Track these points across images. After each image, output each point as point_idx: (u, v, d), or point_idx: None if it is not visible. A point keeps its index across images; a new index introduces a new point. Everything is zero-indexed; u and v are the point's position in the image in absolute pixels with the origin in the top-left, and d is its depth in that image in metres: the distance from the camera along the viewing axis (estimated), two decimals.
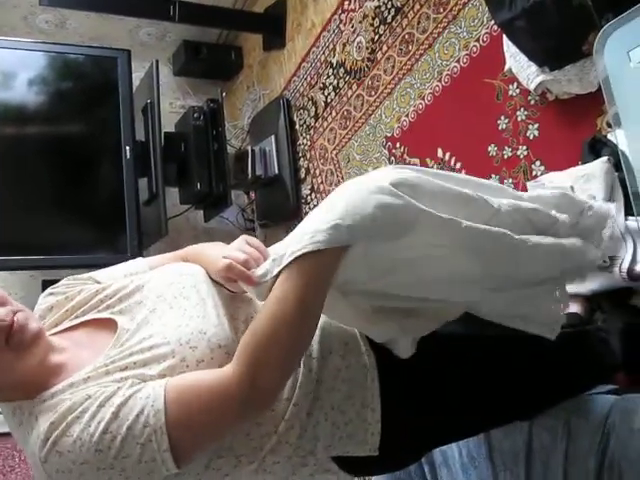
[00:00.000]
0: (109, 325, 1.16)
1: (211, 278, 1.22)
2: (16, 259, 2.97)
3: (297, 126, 3.45)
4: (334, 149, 3.14)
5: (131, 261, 1.38)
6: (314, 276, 1.02)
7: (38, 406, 1.04)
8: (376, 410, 1.17)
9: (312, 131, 3.33)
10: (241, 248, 1.15)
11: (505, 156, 2.15)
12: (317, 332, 1.15)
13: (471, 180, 1.19)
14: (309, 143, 3.36)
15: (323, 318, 1.16)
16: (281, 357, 1.02)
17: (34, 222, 3.12)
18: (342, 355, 1.18)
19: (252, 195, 3.87)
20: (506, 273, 1.16)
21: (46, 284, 3.19)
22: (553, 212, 1.23)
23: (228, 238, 1.28)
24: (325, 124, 3.21)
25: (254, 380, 1.00)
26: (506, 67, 2.05)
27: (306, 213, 3.35)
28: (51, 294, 1.27)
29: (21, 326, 1.05)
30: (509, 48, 1.98)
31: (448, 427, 1.29)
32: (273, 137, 3.48)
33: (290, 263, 1.02)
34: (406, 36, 2.60)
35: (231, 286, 1.17)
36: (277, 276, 1.04)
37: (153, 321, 1.13)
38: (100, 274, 1.31)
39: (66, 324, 1.21)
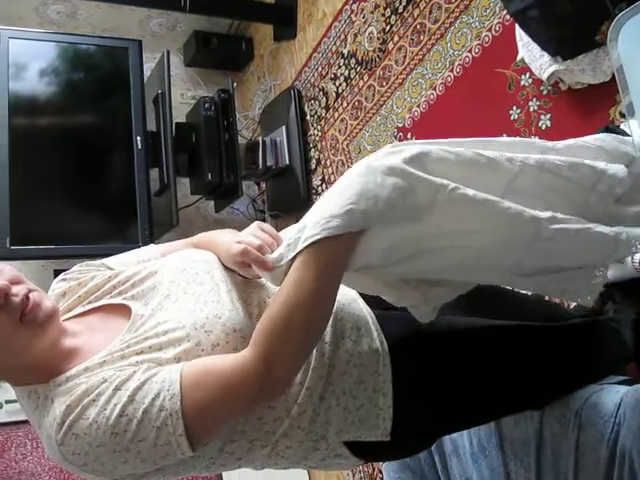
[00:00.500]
0: (122, 311, 1.17)
1: (223, 265, 1.22)
2: (28, 249, 2.99)
3: (308, 117, 3.45)
4: (345, 139, 3.13)
5: (143, 248, 1.39)
6: (329, 261, 1.02)
7: (53, 390, 1.05)
8: (388, 395, 1.18)
9: (323, 122, 3.32)
10: (255, 233, 1.16)
11: None
12: (330, 318, 1.14)
13: (492, 141, 1.15)
14: (320, 134, 3.36)
15: (336, 302, 1.16)
16: (296, 343, 1.03)
17: (46, 212, 3.14)
18: (354, 340, 1.19)
19: (263, 186, 3.88)
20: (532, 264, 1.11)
21: (58, 274, 3.17)
22: (601, 164, 1.14)
23: (239, 229, 1.28)
24: (336, 115, 3.20)
25: (270, 365, 1.00)
26: (518, 57, 2.04)
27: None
28: (64, 280, 1.28)
29: (35, 304, 1.07)
30: (521, 38, 1.97)
31: (459, 414, 1.29)
32: (284, 128, 3.48)
33: (305, 248, 1.01)
34: (418, 26, 2.60)
35: (244, 272, 1.17)
36: (292, 260, 1.04)
37: (167, 306, 1.14)
38: (112, 260, 1.32)
39: (79, 310, 1.22)
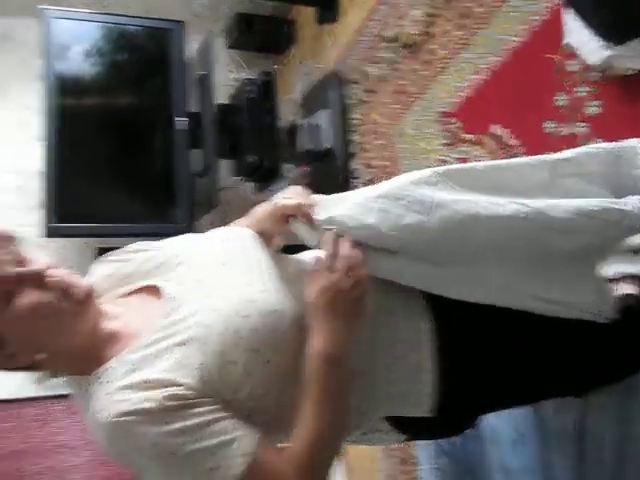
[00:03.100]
0: (158, 293, 1.18)
1: (256, 243, 1.25)
2: (71, 226, 3.05)
3: (349, 100, 3.44)
4: (387, 124, 3.11)
5: (182, 235, 1.41)
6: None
7: (93, 385, 1.07)
8: (430, 372, 1.18)
9: (365, 105, 3.30)
10: (300, 193, 1.22)
11: (562, 133, 2.11)
12: (373, 292, 1.16)
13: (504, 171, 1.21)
14: (361, 117, 3.34)
15: (380, 280, 1.18)
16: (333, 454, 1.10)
17: (89, 191, 3.20)
18: (399, 316, 1.19)
19: (302, 169, 3.88)
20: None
21: (100, 252, 3.26)
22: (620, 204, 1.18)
23: None
24: (378, 98, 3.18)
25: None
26: (566, 42, 2.00)
27: (355, 187, 3.34)
28: (101, 262, 1.31)
29: (73, 282, 1.10)
30: (570, 22, 1.93)
31: (500, 392, 1.28)
32: (325, 111, 3.47)
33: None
34: (463, 10, 2.56)
35: (279, 227, 1.24)
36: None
37: (201, 291, 1.14)
38: (150, 244, 1.34)
39: (117, 292, 1.24)
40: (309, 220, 1.16)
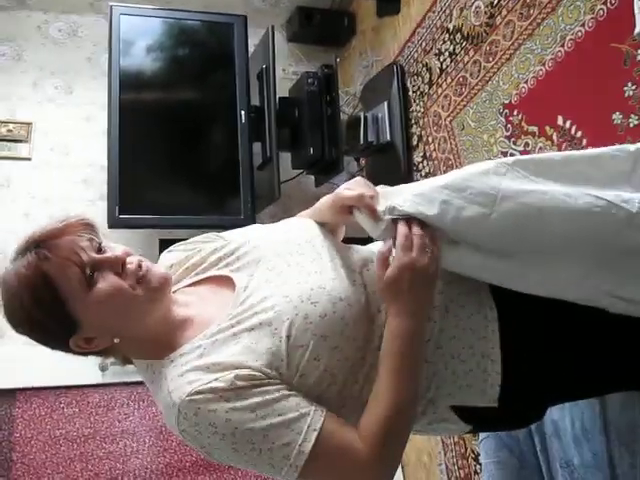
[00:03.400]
0: (228, 283, 1.21)
1: (323, 231, 1.27)
2: (135, 218, 3.13)
3: (410, 92, 3.42)
4: (448, 116, 3.09)
5: (248, 226, 1.43)
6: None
7: (167, 367, 1.10)
8: (496, 361, 1.18)
9: (426, 97, 3.29)
10: (362, 184, 1.23)
11: (631, 124, 2.06)
12: (440, 282, 1.17)
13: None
14: (422, 110, 3.32)
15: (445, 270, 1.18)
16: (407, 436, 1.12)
17: (152, 183, 3.27)
18: (462, 305, 1.19)
19: (363, 162, 3.88)
20: None
21: (163, 243, 3.32)
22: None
23: None
24: (439, 90, 3.16)
25: (384, 472, 1.10)
26: (636, 31, 1.96)
27: (417, 180, 3.32)
28: (171, 252, 1.34)
29: (149, 269, 1.14)
30: None
31: (567, 383, 1.26)
32: (386, 104, 3.46)
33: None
34: (528, 0, 2.53)
35: (343, 218, 1.24)
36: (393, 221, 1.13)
37: (272, 279, 1.16)
38: (219, 235, 1.36)
39: (187, 281, 1.27)
40: (371, 211, 1.16)
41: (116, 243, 1.17)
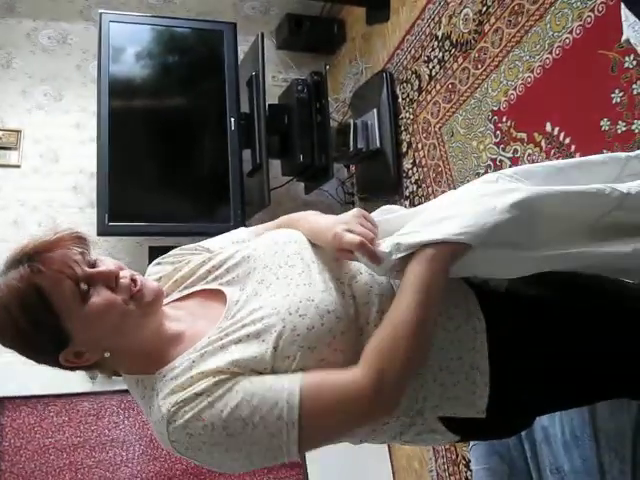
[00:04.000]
0: (218, 296, 1.20)
1: (312, 243, 1.24)
2: (125, 225, 3.11)
3: (400, 99, 3.43)
4: (437, 123, 3.10)
5: (234, 231, 1.42)
6: (442, 264, 1.07)
7: (158, 382, 1.09)
8: (485, 373, 1.17)
9: (415, 104, 3.30)
10: (362, 224, 1.17)
11: (619, 131, 2.08)
12: None
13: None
14: (412, 117, 3.33)
15: None
16: (404, 360, 1.05)
17: (142, 191, 3.26)
18: (451, 317, 1.18)
19: (352, 168, 3.89)
20: None
21: (152, 250, 3.32)
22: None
23: (327, 211, 1.30)
24: (429, 97, 3.17)
25: (381, 385, 1.03)
26: (623, 38, 1.97)
27: (407, 187, 3.34)
28: (159, 264, 1.33)
29: (142, 283, 1.13)
30: (628, 18, 1.91)
31: (555, 393, 1.26)
32: (375, 111, 3.47)
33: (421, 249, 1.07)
34: (515, 7, 2.54)
35: (343, 256, 1.17)
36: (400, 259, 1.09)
37: (261, 292, 1.16)
38: (207, 243, 1.35)
39: (175, 295, 1.26)
40: (374, 260, 1.11)
41: (106, 250, 1.17)
